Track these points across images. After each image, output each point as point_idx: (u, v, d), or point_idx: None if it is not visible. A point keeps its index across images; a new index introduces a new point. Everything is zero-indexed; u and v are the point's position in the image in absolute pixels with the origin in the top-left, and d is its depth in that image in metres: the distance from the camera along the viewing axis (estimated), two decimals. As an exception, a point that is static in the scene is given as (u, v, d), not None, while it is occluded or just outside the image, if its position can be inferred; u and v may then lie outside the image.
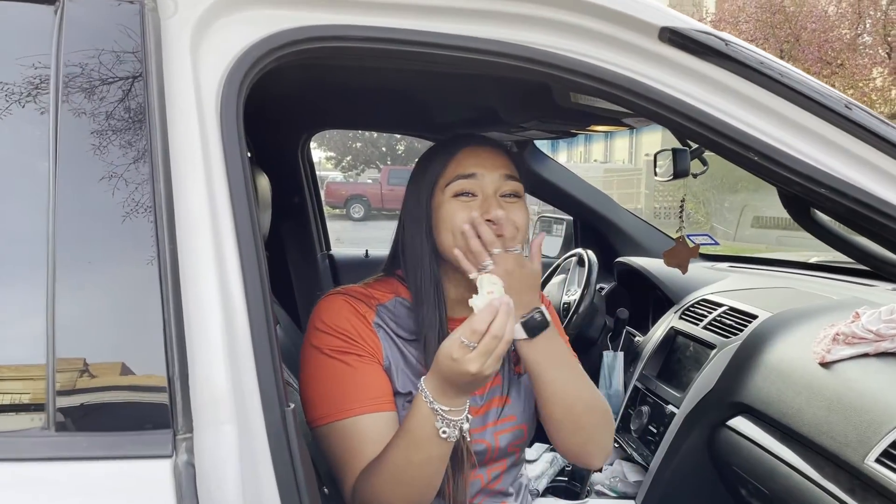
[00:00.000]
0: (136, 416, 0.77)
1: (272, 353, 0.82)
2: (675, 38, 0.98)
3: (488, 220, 1.13)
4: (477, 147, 1.22)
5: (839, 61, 14.74)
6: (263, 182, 1.83)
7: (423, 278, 1.19)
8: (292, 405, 0.83)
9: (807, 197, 1.02)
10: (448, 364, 0.98)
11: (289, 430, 0.79)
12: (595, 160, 23.80)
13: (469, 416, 1.04)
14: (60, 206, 0.79)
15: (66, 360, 0.77)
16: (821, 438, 1.37)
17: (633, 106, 1.01)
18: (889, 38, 14.74)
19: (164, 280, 0.78)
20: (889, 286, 1.95)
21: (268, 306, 0.84)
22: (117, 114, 0.83)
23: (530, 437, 1.28)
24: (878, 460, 1.22)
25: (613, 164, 22.84)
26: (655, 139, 18.75)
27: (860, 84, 14.76)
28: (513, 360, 1.27)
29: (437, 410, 1.01)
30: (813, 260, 2.51)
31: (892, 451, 1.21)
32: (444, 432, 1.01)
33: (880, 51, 15.00)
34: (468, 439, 1.10)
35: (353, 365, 1.13)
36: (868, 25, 15.54)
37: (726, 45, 0.99)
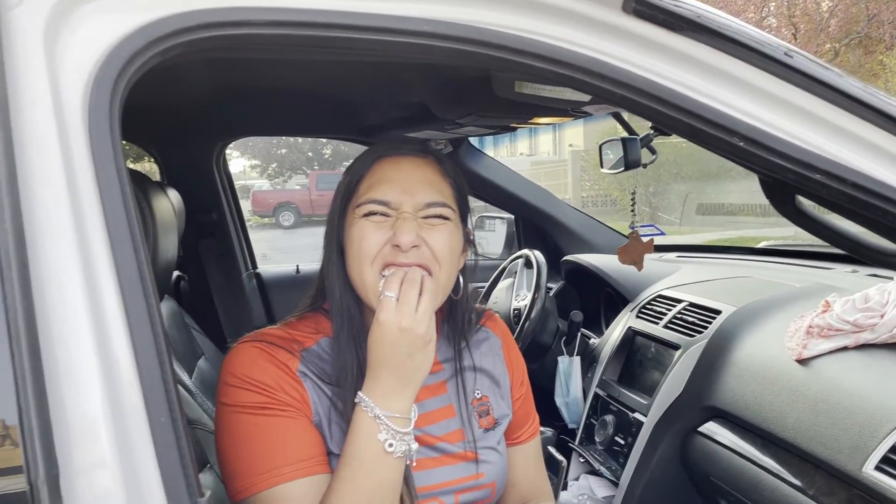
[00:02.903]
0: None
1: (178, 436, 0.63)
2: (641, 8, 0.83)
3: (395, 246, 0.97)
4: (397, 161, 1.04)
5: (748, 44, 15.22)
6: (171, 201, 1.63)
7: (335, 311, 1.03)
8: (207, 493, 0.65)
9: (799, 185, 0.89)
10: (375, 337, 0.92)
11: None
12: (521, 153, 23.92)
13: (414, 442, 0.95)
14: None
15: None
16: (808, 444, 1.26)
17: (598, 90, 0.86)
18: (794, 19, 15.31)
19: (16, 352, 0.59)
20: (847, 268, 1.88)
21: (167, 369, 0.65)
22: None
23: (498, 496, 1.13)
24: (878, 468, 1.11)
25: (539, 156, 23.02)
26: (577, 130, 18.97)
27: (769, 65, 15.25)
28: (477, 413, 1.11)
29: (380, 418, 0.92)
30: (762, 244, 2.44)
31: (893, 457, 1.10)
32: (390, 445, 0.92)
33: (785, 31, 15.55)
34: (414, 462, 0.99)
35: (277, 421, 0.95)
36: (773, 7, 16.11)
37: (699, 14, 0.85)
